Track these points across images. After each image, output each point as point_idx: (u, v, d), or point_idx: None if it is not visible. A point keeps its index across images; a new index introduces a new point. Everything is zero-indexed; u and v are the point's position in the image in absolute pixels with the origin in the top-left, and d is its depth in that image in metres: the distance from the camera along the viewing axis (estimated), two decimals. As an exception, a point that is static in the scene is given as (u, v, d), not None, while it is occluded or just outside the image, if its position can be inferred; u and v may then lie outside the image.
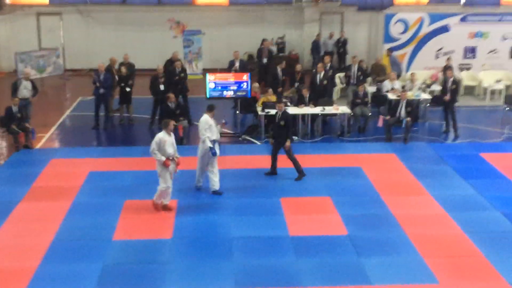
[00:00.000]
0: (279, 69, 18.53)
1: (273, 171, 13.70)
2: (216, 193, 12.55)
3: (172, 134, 11.83)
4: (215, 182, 12.58)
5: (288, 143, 13.29)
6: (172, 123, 11.91)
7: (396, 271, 9.63)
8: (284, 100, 17.09)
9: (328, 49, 24.77)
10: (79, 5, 25.63)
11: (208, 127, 12.38)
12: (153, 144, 11.52)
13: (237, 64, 19.22)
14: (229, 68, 19.24)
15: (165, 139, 11.59)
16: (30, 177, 13.54)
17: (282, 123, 13.35)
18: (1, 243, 10.50)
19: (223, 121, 13.30)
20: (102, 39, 25.76)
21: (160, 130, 16.65)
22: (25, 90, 17.15)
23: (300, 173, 13.48)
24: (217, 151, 12.48)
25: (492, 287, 9.23)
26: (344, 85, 19.96)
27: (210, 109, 12.64)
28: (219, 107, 18.44)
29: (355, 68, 19.08)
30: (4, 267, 9.69)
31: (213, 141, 12.40)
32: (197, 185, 12.83)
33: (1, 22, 25.55)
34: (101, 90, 17.25)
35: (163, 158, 11.49)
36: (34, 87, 17.40)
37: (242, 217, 11.62)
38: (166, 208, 11.82)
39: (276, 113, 13.61)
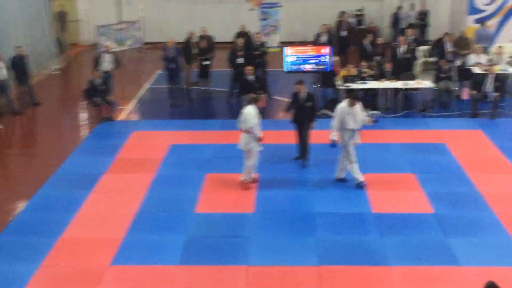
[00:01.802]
0: (367, 42, 18.06)
1: (303, 155, 12.77)
2: (341, 180, 11.93)
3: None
4: (343, 173, 11.93)
5: (314, 124, 12.63)
6: (263, 98, 11.75)
7: (485, 252, 9.31)
8: (363, 74, 16.78)
9: (409, 22, 24.06)
10: (158, -22, 25.81)
11: (345, 116, 11.38)
12: (252, 119, 11.25)
13: (323, 38, 18.81)
14: (315, 42, 18.93)
15: (256, 114, 11.40)
16: (113, 148, 13.79)
17: (309, 104, 12.53)
18: (89, 213, 10.75)
19: (373, 118, 12.37)
20: (180, 12, 25.92)
21: (238, 103, 16.83)
22: (106, 63, 17.47)
23: (304, 156, 12.69)
24: (358, 140, 11.67)
25: None
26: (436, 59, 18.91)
27: (351, 97, 11.57)
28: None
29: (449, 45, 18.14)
30: (92, 236, 9.92)
31: (351, 131, 11.56)
32: (360, 181, 11.71)
33: (81, -5, 26.04)
34: (171, 66, 17.23)
35: (261, 134, 11.37)
36: (116, 60, 17.68)
37: (325, 192, 11.49)
38: (254, 181, 11.80)
39: (297, 94, 12.56)
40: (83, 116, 16.62)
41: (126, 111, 16.97)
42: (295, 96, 12.58)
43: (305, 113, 12.53)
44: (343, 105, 11.53)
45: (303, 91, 12.49)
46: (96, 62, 17.44)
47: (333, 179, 11.98)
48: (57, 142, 14.89)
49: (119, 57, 18.63)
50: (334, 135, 11.57)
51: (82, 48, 25.70)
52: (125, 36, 24.09)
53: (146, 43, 25.27)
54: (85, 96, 15.91)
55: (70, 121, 16.42)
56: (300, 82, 12.57)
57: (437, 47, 18.21)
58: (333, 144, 11.64)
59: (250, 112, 11.35)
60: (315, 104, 12.78)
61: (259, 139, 11.43)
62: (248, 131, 11.36)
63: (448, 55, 17.80)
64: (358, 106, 11.59)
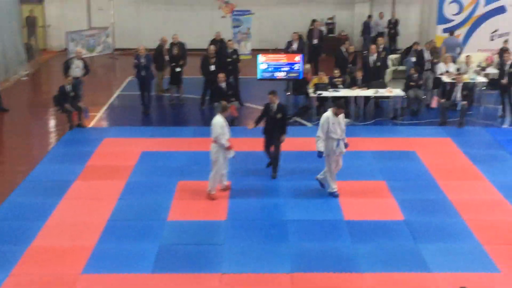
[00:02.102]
0: (344, 50, 18.20)
1: (274, 165, 12.62)
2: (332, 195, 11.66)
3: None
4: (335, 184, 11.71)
5: (284, 137, 12.35)
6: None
7: (456, 258, 9.43)
8: (335, 81, 16.92)
9: (379, 30, 24.36)
10: (129, -16, 25.73)
11: (331, 125, 11.26)
12: (219, 129, 11.17)
13: (294, 46, 18.94)
14: (286, 49, 19.03)
15: (224, 123, 11.36)
16: (84, 155, 13.67)
17: (279, 115, 12.29)
18: (59, 221, 10.63)
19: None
20: (151, 18, 25.88)
21: (210, 110, 16.83)
22: (77, 69, 17.26)
23: (275, 167, 12.52)
24: (343, 149, 11.47)
25: (557, 277, 8.96)
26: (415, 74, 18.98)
27: (336, 105, 11.41)
28: (269, 88, 18.43)
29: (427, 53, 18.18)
30: (63, 245, 9.81)
31: (337, 140, 11.37)
32: (333, 191, 11.70)
33: (52, 1, 25.80)
34: (142, 73, 17.04)
35: (228, 144, 11.32)
36: (86, 66, 17.53)
37: (297, 200, 11.53)
38: (227, 188, 11.78)
39: (269, 105, 12.34)
40: (53, 122, 16.46)
41: (97, 118, 16.84)
42: (267, 106, 12.45)
43: (276, 125, 12.35)
44: (328, 114, 11.37)
45: (275, 102, 12.31)
46: (66, 68, 17.26)
47: (328, 192, 11.70)
48: (26, 149, 14.70)
49: (88, 63, 18.48)
50: (320, 146, 11.36)
51: (52, 54, 25.47)
52: (95, 42, 23.95)
53: (117, 50, 25.16)
54: (55, 102, 15.75)
55: (39, 127, 16.25)
56: (272, 93, 12.38)
57: (417, 56, 18.28)
58: (320, 154, 11.45)
59: (217, 121, 11.30)
60: (286, 116, 12.57)
61: (227, 148, 11.37)
62: (214, 140, 11.35)
63: (426, 63, 17.97)
64: (342, 115, 11.50)
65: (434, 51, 18.66)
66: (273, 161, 12.58)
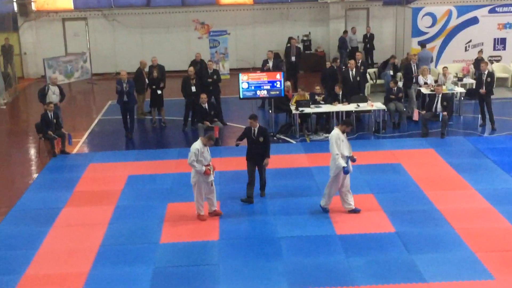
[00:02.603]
0: (335, 67, 18.37)
1: (261, 188, 12.57)
2: (354, 211, 11.64)
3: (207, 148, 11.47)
4: (352, 201, 11.68)
5: (267, 161, 12.24)
6: (211, 142, 11.53)
7: (450, 267, 9.53)
8: (317, 97, 17.08)
9: (353, 45, 24.65)
10: (104, 9, 25.77)
11: (341, 143, 11.33)
12: (192, 156, 11.14)
13: (270, 64, 19.13)
14: (262, 68, 19.18)
15: (203, 149, 11.27)
16: (71, 182, 13.60)
17: (261, 139, 12.19)
18: (51, 248, 10.54)
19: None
20: (128, 42, 25.88)
21: (193, 131, 16.86)
22: (53, 95, 17.03)
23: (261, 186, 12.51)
24: (350, 169, 11.52)
25: (549, 281, 9.10)
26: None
27: (344, 123, 11.64)
28: (250, 107, 18.51)
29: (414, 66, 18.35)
30: (56, 272, 9.72)
31: (346, 158, 11.45)
32: (325, 207, 11.74)
33: (28, 28, 25.72)
34: (125, 98, 16.90)
35: (204, 169, 11.20)
36: (61, 92, 17.34)
37: (287, 216, 11.58)
38: (215, 214, 11.66)
39: (250, 128, 12.25)
40: (35, 150, 16.31)
41: (80, 144, 16.76)
42: (248, 130, 12.30)
43: (258, 149, 12.23)
44: (336, 132, 11.38)
45: (255, 125, 12.18)
46: (43, 94, 16.99)
47: (346, 211, 11.67)
48: (10, 178, 14.55)
49: (65, 89, 18.35)
50: (343, 163, 11.26)
51: (29, 82, 25.33)
52: (73, 68, 23.88)
53: (95, 74, 25.11)
54: (38, 130, 15.66)
55: (22, 156, 16.11)
56: (252, 117, 12.27)
57: (405, 70, 18.44)
58: (347, 171, 11.37)
59: (192, 147, 11.26)
60: (267, 139, 12.32)
61: (204, 173, 11.22)
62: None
63: (414, 77, 18.16)
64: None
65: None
66: (261, 182, 12.50)
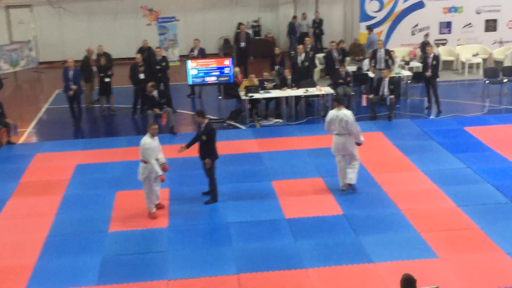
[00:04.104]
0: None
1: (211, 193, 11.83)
2: (351, 188, 11.90)
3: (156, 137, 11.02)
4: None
5: (208, 160, 11.40)
6: (155, 127, 10.96)
7: (395, 248, 9.70)
8: (266, 83, 17.11)
9: (303, 30, 24.73)
10: (49, -4, 25.25)
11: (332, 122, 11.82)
12: (146, 153, 10.69)
13: (195, 52, 18.98)
14: (188, 55, 19.03)
15: (153, 144, 10.81)
16: (17, 172, 13.35)
17: (204, 138, 11.42)
18: (-4, 240, 10.36)
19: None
20: (75, 30, 25.42)
21: (143, 119, 16.73)
22: (-10, 84, 16.70)
23: (213, 198, 11.68)
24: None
25: (491, 257, 9.34)
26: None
27: (338, 101, 11.98)
28: (204, 94, 18.44)
29: (381, 53, 18.00)
30: (2, 265, 9.55)
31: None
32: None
33: (-30, 16, 25.05)
34: (72, 87, 16.60)
35: (160, 172, 10.82)
36: (-1, 80, 17.00)
37: (236, 202, 11.60)
38: (159, 206, 11.41)
39: (199, 126, 11.59)
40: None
41: (27, 134, 16.45)
42: (198, 127, 11.70)
43: (202, 147, 11.48)
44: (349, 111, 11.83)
45: (203, 122, 11.41)
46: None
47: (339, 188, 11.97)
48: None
49: (1, 77, 17.90)
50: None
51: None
52: (18, 57, 23.37)
53: (42, 63, 24.63)
54: (-19, 120, 15.31)
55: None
56: (197, 113, 11.58)
57: (372, 56, 18.35)
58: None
59: (143, 144, 10.77)
60: (211, 139, 11.41)
61: (159, 178, 10.90)
62: (143, 161, 10.92)
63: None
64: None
65: (358, 49, 19.11)
66: (210, 184, 11.74)
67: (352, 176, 11.85)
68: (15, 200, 11.99)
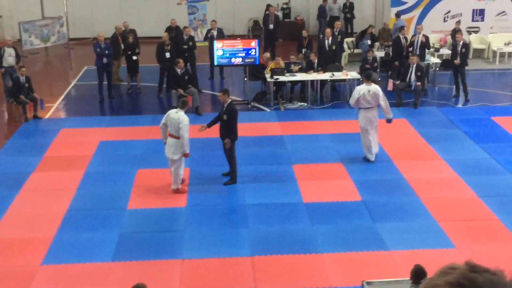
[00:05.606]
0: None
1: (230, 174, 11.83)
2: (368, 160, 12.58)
3: None
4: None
5: (227, 140, 11.38)
6: (189, 97, 11.30)
7: (412, 236, 9.65)
8: (292, 66, 17.03)
9: (333, 14, 24.50)
10: (82, -28, 25.35)
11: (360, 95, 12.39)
12: (184, 129, 10.79)
13: (214, 33, 18.86)
14: (206, 36, 18.96)
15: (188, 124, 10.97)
16: (41, 147, 13.53)
17: (225, 117, 11.40)
18: (17, 212, 10.54)
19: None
20: (106, 7, 25.49)
21: (168, 98, 16.79)
22: (10, 57, 16.74)
23: (232, 179, 11.66)
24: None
25: (509, 249, 9.25)
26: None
27: (367, 77, 12.66)
28: (227, 74, 18.47)
29: (418, 38, 17.54)
30: (21, 237, 9.73)
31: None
32: (367, 159, 12.61)
33: (3, -9, 25.30)
34: (104, 60, 16.84)
35: (188, 151, 11.04)
36: (17, 54, 17.07)
37: (255, 184, 11.63)
38: (185, 182, 11.55)
39: (223, 106, 11.58)
40: (6, 115, 16.18)
41: (54, 109, 16.63)
42: (222, 108, 11.67)
43: (222, 126, 11.49)
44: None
45: (226, 101, 11.46)
46: (-1, 58, 16.73)
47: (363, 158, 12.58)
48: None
49: (42, 54, 18.08)
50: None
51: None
52: (49, 32, 23.55)
53: (72, 39, 24.78)
54: (9, 94, 15.51)
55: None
56: (222, 91, 11.67)
57: (394, 44, 17.98)
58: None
59: (186, 120, 10.86)
60: (232, 120, 11.36)
61: (185, 155, 11.08)
62: (177, 137, 10.93)
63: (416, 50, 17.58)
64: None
65: (387, 34, 18.85)
66: (230, 166, 11.72)
67: (377, 147, 12.61)
68: (38, 173, 12.17)
